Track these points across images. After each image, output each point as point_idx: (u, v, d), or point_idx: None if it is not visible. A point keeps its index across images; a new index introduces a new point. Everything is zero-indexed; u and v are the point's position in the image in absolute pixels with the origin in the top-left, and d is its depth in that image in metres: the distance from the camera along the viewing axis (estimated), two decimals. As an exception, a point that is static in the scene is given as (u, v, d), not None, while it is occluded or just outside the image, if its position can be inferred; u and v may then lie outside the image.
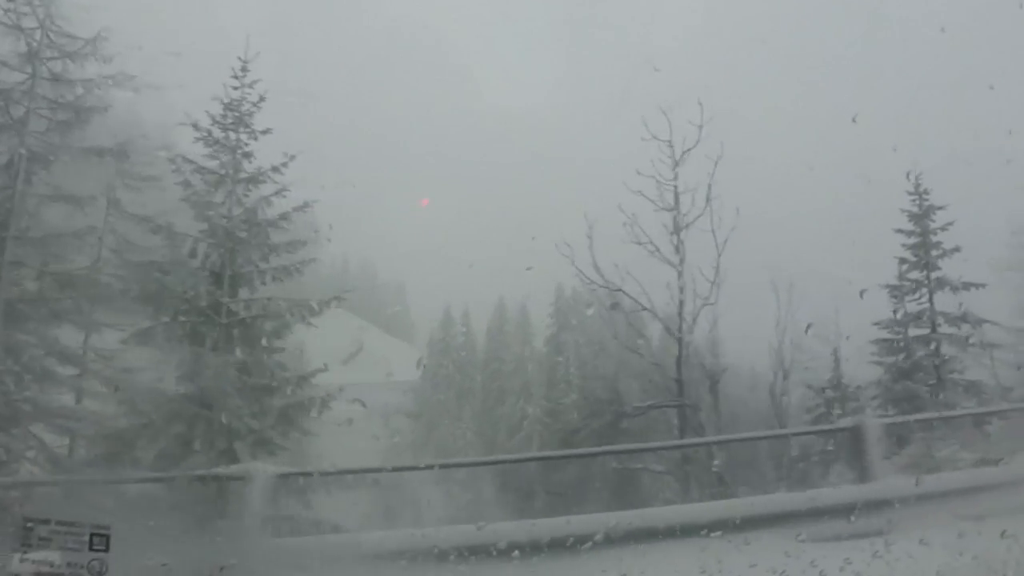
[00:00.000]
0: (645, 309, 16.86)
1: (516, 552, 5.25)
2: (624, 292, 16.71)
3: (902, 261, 16.34)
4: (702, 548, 5.67)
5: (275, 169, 14.70)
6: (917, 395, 14.67)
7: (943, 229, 16.21)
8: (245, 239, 14.08)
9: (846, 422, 6.77)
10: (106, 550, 3.09)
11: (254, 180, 14.55)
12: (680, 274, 16.93)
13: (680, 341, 16.43)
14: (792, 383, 17.38)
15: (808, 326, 16.27)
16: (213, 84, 14.75)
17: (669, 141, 17.61)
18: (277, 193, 14.22)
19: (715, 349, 15.25)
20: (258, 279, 14.31)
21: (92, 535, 3.09)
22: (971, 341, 15.53)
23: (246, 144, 14.43)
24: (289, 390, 14.52)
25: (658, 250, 16.96)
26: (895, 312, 15.84)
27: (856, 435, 6.70)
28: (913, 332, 16.08)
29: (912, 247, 16.44)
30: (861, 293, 14.90)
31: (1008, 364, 15.53)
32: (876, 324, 16.05)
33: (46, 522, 3.06)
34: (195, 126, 13.78)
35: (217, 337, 13.75)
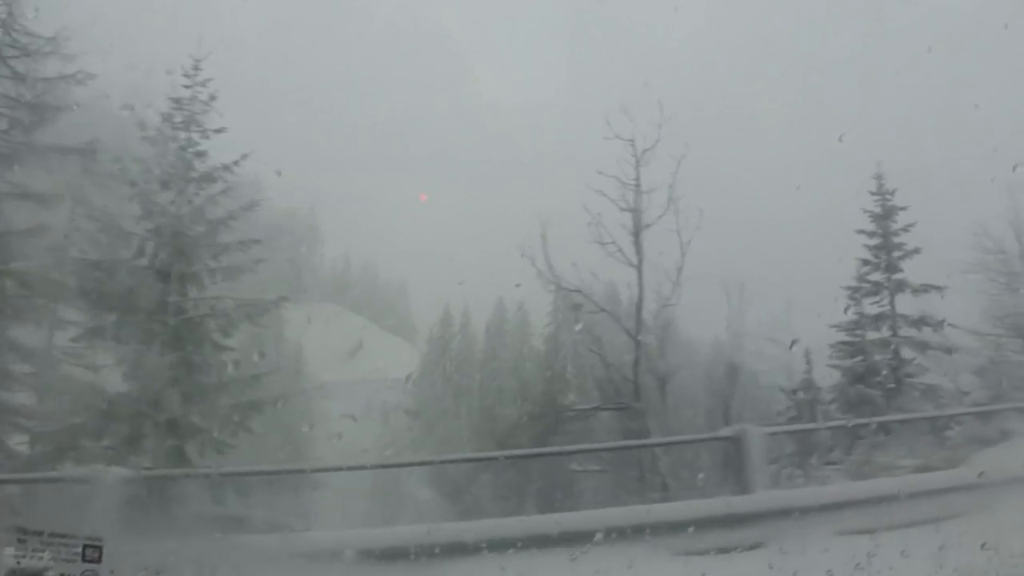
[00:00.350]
0: (603, 310, 16.74)
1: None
2: (582, 293, 16.59)
3: (865, 262, 16.07)
4: (572, 558, 5.59)
5: (226, 168, 14.82)
6: (871, 399, 14.40)
7: (905, 230, 15.93)
8: (193, 238, 14.12)
9: (727, 431, 6.59)
10: (99, 561, 3.15)
11: (206, 179, 14.62)
12: (639, 275, 16.78)
13: (637, 342, 16.28)
14: (756, 385, 17.18)
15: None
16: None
17: (631, 140, 17.45)
18: (223, 192, 14.23)
19: (664, 351, 15.05)
20: (208, 278, 14.41)
21: (85, 546, 3.15)
22: (930, 344, 15.23)
23: (197, 143, 14.54)
24: (241, 389, 14.70)
25: (620, 250, 16.88)
26: (845, 310, 15.54)
27: (737, 445, 6.53)
28: (873, 335, 15.78)
29: (874, 248, 16.17)
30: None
31: (968, 368, 15.19)
32: (834, 327, 15.82)
33: (39, 533, 3.11)
34: (140, 125, 13.78)
35: (165, 336, 13.82)
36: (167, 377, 13.39)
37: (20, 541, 3.04)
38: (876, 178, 16.16)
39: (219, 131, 14.94)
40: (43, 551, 3.06)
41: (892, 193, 16.06)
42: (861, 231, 16.15)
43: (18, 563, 3.01)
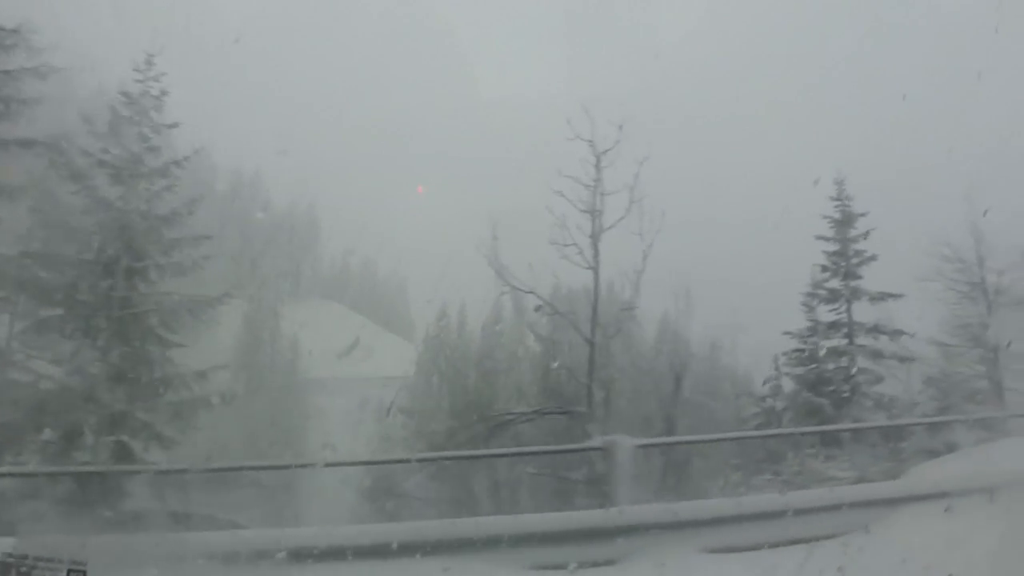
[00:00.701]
0: (558, 313, 16.62)
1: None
2: (536, 295, 16.46)
3: (824, 268, 15.82)
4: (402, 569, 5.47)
5: (176, 164, 14.83)
6: (820, 408, 14.16)
7: (864, 237, 15.66)
8: (140, 232, 14.10)
9: (596, 441, 6.45)
10: None
11: (158, 174, 14.60)
12: (596, 277, 16.65)
13: (592, 346, 16.15)
14: (718, 391, 17.01)
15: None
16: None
17: (591, 141, 17.29)
18: (168, 188, 14.22)
19: (611, 355, 14.90)
20: (155, 273, 14.40)
21: (70, 570, 3.17)
22: (883, 353, 14.97)
23: (148, 138, 14.52)
24: (188, 385, 14.68)
25: (581, 252, 16.74)
26: (809, 315, 15.20)
27: (607, 456, 6.38)
28: (826, 343, 15.51)
29: (832, 255, 15.90)
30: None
31: (922, 379, 14.94)
32: (787, 334, 15.56)
33: (24, 557, 3.13)
34: (86, 119, 13.78)
35: (109, 330, 13.81)
36: (109, 372, 13.40)
37: (5, 564, 3.07)
38: (836, 183, 15.93)
39: (171, 126, 15.00)
40: (29, 574, 3.09)
41: (850, 199, 15.79)
42: (820, 237, 15.93)
43: None
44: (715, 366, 16.61)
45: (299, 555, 5.10)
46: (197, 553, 5.18)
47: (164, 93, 14.59)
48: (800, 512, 6.57)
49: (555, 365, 14.72)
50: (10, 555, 3.09)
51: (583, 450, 6.93)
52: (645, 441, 6.76)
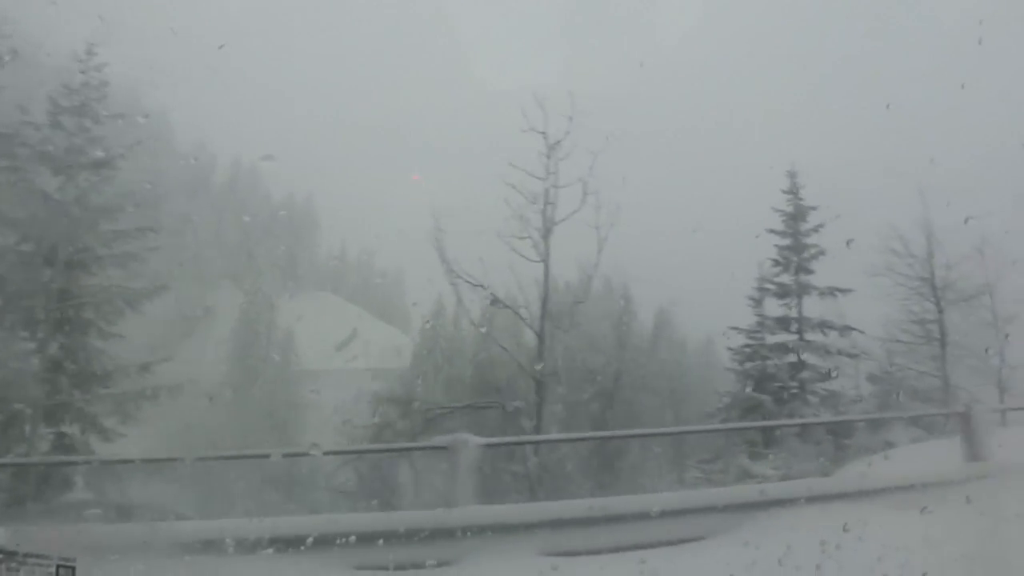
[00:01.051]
0: (507, 307, 16.48)
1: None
2: (484, 288, 16.32)
3: (775, 263, 15.50)
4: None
5: (120, 156, 14.75)
6: (761, 404, 13.89)
7: (815, 231, 15.32)
8: (80, 224, 14.05)
9: (441, 440, 6.28)
10: None
11: (101, 166, 14.53)
12: (546, 270, 16.53)
13: (540, 339, 16.03)
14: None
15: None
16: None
17: (544, 133, 17.11)
18: (102, 180, 14.15)
19: (543, 349, 14.74)
20: (95, 265, 14.36)
21: (59, 566, 3.18)
22: (828, 349, 14.67)
23: (88, 129, 14.44)
24: (131, 378, 14.67)
25: (535, 245, 16.59)
26: (755, 304, 14.89)
27: (451, 455, 6.20)
28: (772, 339, 15.20)
29: (783, 249, 15.57)
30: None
31: (865, 375, 14.66)
32: (733, 329, 15.28)
33: (13, 554, 3.13)
34: (21, 108, 13.71)
35: (48, 322, 13.79)
36: (46, 364, 13.39)
37: None
38: (789, 175, 15.58)
39: (115, 117, 14.94)
40: (17, 571, 3.08)
41: (800, 192, 15.43)
42: (771, 231, 15.60)
43: None
44: (666, 361, 16.35)
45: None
46: (184, 543, 5.18)
47: (105, 84, 14.55)
48: (665, 514, 6.42)
49: (488, 353, 14.54)
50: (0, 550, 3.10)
51: (424, 448, 6.73)
52: (491, 440, 6.58)
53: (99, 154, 14.41)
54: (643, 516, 6.26)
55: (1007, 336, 14.72)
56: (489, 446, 6.50)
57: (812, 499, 6.92)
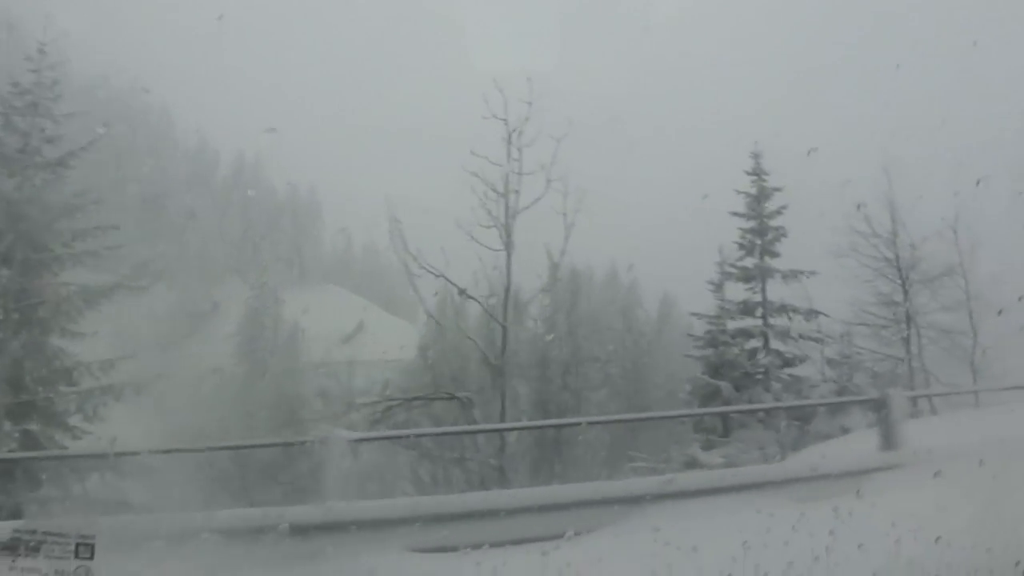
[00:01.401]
0: (471, 297, 16.39)
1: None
2: (446, 278, 16.22)
3: (740, 246, 15.13)
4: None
5: (72, 154, 14.79)
6: (719, 391, 13.61)
7: (779, 212, 14.94)
8: (36, 224, 14.11)
9: (314, 435, 6.20)
10: (91, 558, 3.24)
11: (57, 165, 14.58)
12: (508, 259, 16.37)
13: (504, 329, 15.91)
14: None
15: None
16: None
17: (505, 120, 16.88)
18: (57, 179, 14.20)
19: (504, 341, 14.56)
20: (55, 264, 14.43)
21: (78, 544, 3.23)
22: (790, 333, 14.33)
23: (43, 129, 14.47)
24: (94, 375, 14.77)
25: (501, 235, 16.44)
26: (715, 288, 14.55)
27: (320, 449, 6.11)
28: (733, 325, 14.86)
29: (747, 231, 15.19)
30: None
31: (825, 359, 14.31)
32: (694, 315, 14.96)
33: (33, 532, 3.22)
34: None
35: (8, 321, 13.91)
36: (5, 363, 13.51)
37: (14, 540, 3.14)
38: (753, 156, 15.16)
39: (69, 115, 14.96)
40: (38, 549, 3.16)
41: (767, 174, 15.02)
42: (735, 213, 15.23)
43: (13, 561, 3.12)
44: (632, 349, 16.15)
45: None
46: (201, 529, 5.22)
47: (56, 83, 14.56)
48: (558, 507, 6.30)
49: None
50: (19, 531, 3.17)
51: (291, 444, 6.66)
52: (359, 435, 6.49)
53: (54, 154, 14.51)
54: (521, 511, 6.19)
55: (1000, 312, 14.29)
56: (360, 441, 6.42)
57: (718, 490, 6.78)
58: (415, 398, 13.30)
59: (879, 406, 7.33)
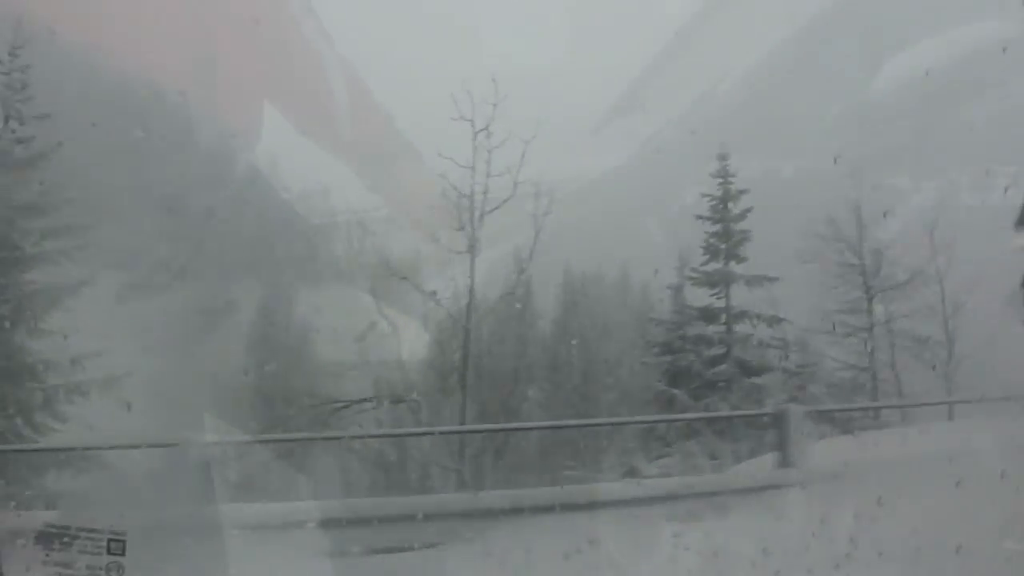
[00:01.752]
0: (435, 300, 16.44)
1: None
2: (408, 280, 16.35)
3: (705, 250, 14.81)
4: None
5: (42, 156, 15.06)
6: (674, 399, 13.33)
7: (742, 216, 14.57)
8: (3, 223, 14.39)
9: (174, 438, 6.23)
10: (123, 554, 3.29)
11: (26, 166, 14.87)
12: (471, 261, 16.43)
13: (466, 331, 15.97)
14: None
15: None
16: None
17: (471, 121, 16.96)
18: (26, 180, 14.46)
19: (467, 342, 14.53)
20: (24, 263, 14.72)
21: (110, 540, 3.28)
22: (751, 341, 13.98)
23: (13, 131, 14.76)
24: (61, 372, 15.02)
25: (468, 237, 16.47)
26: (674, 293, 14.25)
27: (180, 452, 6.12)
28: (691, 331, 14.53)
29: (712, 235, 14.84)
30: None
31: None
32: (652, 320, 14.65)
33: (66, 527, 3.28)
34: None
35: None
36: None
37: (47, 535, 3.20)
38: (720, 159, 14.81)
39: (41, 118, 15.22)
40: (70, 544, 3.21)
41: (733, 175, 14.67)
42: (701, 217, 14.88)
43: (47, 555, 3.17)
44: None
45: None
46: (229, 524, 5.31)
47: (25, 86, 14.83)
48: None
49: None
50: (52, 526, 3.20)
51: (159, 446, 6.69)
52: (226, 439, 6.52)
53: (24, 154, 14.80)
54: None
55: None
56: (220, 444, 6.41)
57: (595, 505, 6.67)
58: (366, 399, 13.31)
59: (777, 421, 7.09)
